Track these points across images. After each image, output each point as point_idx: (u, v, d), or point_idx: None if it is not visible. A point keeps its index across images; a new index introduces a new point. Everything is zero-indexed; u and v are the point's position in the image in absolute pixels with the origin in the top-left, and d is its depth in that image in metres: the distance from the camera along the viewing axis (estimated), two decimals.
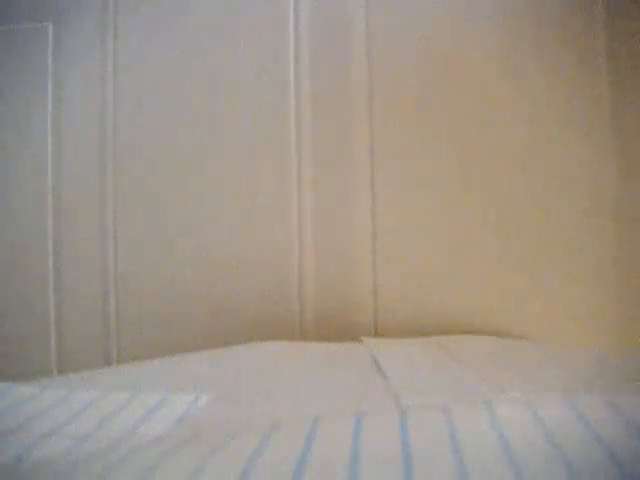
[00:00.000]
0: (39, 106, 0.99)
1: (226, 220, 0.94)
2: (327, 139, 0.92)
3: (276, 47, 0.94)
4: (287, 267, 0.92)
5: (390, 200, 0.90)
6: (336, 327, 0.90)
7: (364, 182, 0.91)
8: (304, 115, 0.93)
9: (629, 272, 0.85)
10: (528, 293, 0.87)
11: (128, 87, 0.97)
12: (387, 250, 0.90)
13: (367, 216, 0.90)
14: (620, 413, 0.28)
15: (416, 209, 0.89)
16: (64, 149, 0.98)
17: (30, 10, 1.00)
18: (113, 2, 0.98)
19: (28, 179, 0.99)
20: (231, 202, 0.94)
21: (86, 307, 0.97)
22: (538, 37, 0.88)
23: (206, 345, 0.87)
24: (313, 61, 0.93)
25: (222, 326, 0.93)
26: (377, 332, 0.89)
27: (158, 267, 0.95)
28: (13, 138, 0.99)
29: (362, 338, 0.79)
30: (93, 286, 0.97)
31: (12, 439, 0.38)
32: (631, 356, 0.73)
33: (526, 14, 0.88)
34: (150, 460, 0.26)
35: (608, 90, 0.86)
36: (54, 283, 0.97)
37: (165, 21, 0.97)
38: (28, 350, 0.97)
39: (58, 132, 0.98)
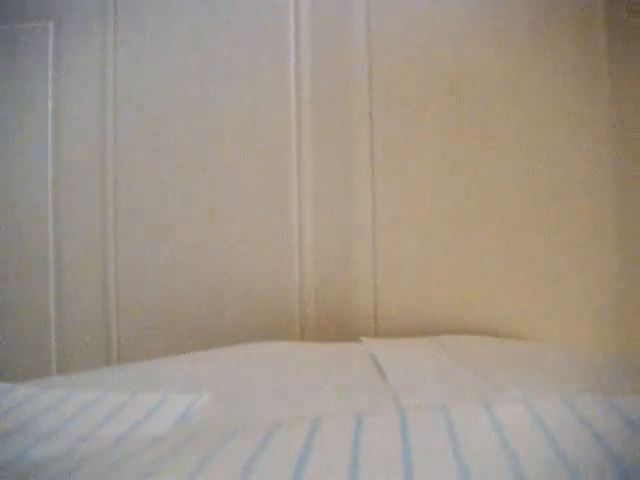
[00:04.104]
0: (40, 106, 0.99)
1: (226, 221, 0.94)
2: (327, 142, 0.92)
3: (276, 45, 0.94)
4: (287, 267, 0.92)
5: (391, 201, 0.90)
6: (336, 327, 0.90)
7: (365, 183, 0.91)
8: (304, 119, 0.93)
9: (630, 274, 0.85)
10: (528, 293, 0.87)
11: (128, 87, 0.97)
12: (387, 251, 0.90)
13: (367, 217, 0.90)
14: (620, 413, 0.28)
15: (417, 210, 0.89)
16: (64, 149, 0.98)
17: (31, 9, 1.00)
18: (113, 1, 0.98)
19: (29, 180, 0.99)
20: (231, 203, 0.94)
21: (86, 308, 0.97)
22: (537, 34, 0.88)
23: (206, 345, 0.87)
24: (313, 57, 0.93)
25: (222, 326, 0.93)
26: (377, 332, 0.89)
27: (158, 268, 0.95)
28: (13, 138, 0.99)
29: (362, 338, 0.79)
30: (93, 287, 0.97)
31: (12, 439, 0.38)
32: (630, 357, 0.73)
33: (525, 13, 0.88)
34: (150, 460, 0.26)
35: (609, 94, 0.86)
36: (54, 284, 0.97)
37: (165, 20, 0.97)
38: (28, 350, 0.97)
39: (58, 132, 0.98)
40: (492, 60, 0.88)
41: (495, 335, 0.85)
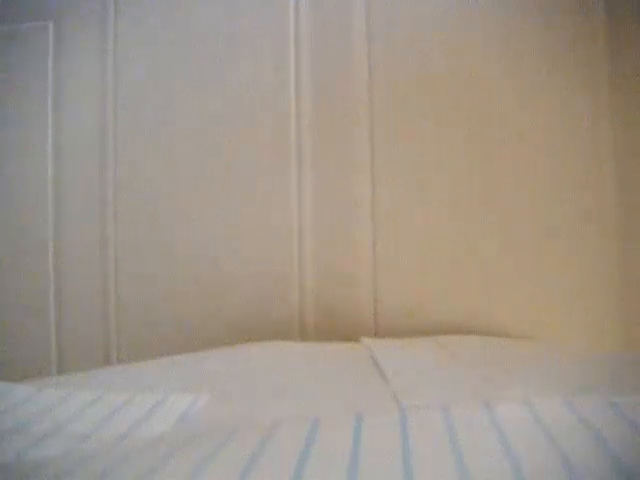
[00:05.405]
0: (39, 105, 0.99)
1: (226, 219, 0.94)
2: (327, 142, 0.92)
3: (276, 48, 0.94)
4: (287, 267, 0.92)
5: (390, 202, 0.90)
6: (336, 327, 0.90)
7: (364, 183, 0.91)
8: (304, 123, 0.93)
9: (630, 273, 0.85)
10: (529, 293, 0.87)
11: (128, 88, 0.97)
12: (387, 251, 0.90)
13: (367, 218, 0.90)
14: (620, 413, 0.28)
15: (416, 211, 0.89)
16: (65, 149, 0.98)
17: (30, 10, 0.99)
18: (113, 1, 0.98)
19: (29, 179, 0.99)
20: (231, 203, 0.94)
21: (86, 307, 0.97)
22: (540, 37, 0.88)
23: (206, 345, 0.87)
24: (313, 57, 0.93)
25: (222, 326, 0.93)
26: (377, 332, 0.89)
27: (157, 268, 0.95)
28: (14, 138, 0.99)
29: (362, 338, 0.79)
30: (93, 287, 0.97)
31: (12, 439, 0.38)
32: (630, 355, 0.73)
33: (528, 14, 0.88)
34: (150, 460, 0.26)
35: (609, 95, 0.86)
36: (54, 284, 0.97)
37: (166, 20, 0.97)
38: (28, 350, 0.97)
39: (59, 131, 0.98)
40: (492, 62, 0.88)
41: (495, 335, 0.85)
